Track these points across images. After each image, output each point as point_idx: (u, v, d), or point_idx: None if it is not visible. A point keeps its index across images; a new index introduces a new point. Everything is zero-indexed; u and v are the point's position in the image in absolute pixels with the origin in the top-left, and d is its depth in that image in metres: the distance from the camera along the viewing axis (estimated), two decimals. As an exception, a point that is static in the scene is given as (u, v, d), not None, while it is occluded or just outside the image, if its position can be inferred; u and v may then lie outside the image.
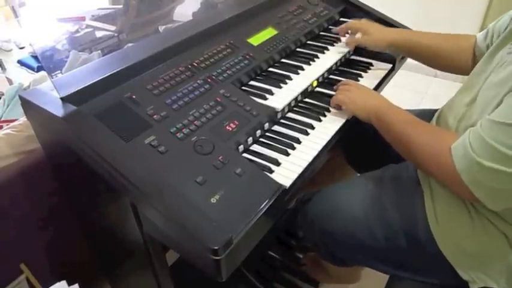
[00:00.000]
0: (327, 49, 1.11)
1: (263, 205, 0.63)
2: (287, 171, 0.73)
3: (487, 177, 0.61)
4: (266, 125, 0.83)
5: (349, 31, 1.13)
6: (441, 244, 0.74)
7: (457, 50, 0.96)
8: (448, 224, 0.75)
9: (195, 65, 0.88)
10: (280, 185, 0.67)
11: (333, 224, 0.87)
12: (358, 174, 1.32)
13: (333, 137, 0.84)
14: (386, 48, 1.08)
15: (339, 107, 0.90)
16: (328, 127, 0.87)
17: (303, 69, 1.01)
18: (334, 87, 0.95)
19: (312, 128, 0.86)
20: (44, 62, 0.79)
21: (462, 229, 0.73)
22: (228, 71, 0.89)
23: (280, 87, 0.93)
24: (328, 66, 1.04)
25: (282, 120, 0.88)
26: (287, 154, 0.77)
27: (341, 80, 1.04)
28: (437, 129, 0.81)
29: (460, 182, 0.63)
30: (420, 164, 0.76)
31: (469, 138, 0.63)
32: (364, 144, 1.06)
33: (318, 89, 1.01)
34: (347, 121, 0.89)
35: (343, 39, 1.16)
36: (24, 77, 1.96)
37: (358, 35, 1.11)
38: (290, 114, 0.91)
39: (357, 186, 0.90)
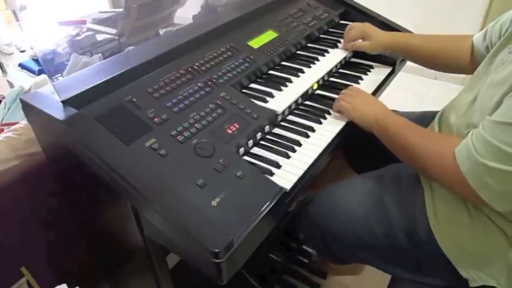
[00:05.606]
0: (327, 52, 1.11)
1: (264, 208, 0.63)
2: (288, 173, 0.73)
3: (491, 178, 0.60)
4: (267, 128, 0.83)
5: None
6: (441, 242, 0.74)
7: (453, 50, 0.97)
8: (447, 222, 0.75)
9: (196, 68, 0.88)
10: (281, 188, 0.67)
11: (334, 223, 0.88)
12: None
13: (333, 140, 0.84)
14: (384, 51, 1.09)
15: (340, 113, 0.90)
16: (328, 129, 0.87)
17: (303, 71, 1.01)
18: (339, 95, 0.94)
19: (313, 130, 0.86)
20: (45, 65, 0.80)
21: (462, 227, 0.73)
22: (228, 74, 0.89)
23: (281, 90, 0.93)
24: (328, 68, 1.04)
25: (282, 123, 0.88)
26: (288, 157, 0.77)
27: (341, 83, 1.05)
28: (440, 135, 0.82)
29: (466, 185, 0.63)
30: (424, 170, 0.76)
31: (471, 140, 0.63)
32: (364, 146, 1.06)
33: (318, 91, 1.02)
34: (348, 123, 0.89)
35: (341, 41, 1.16)
36: (25, 80, 1.97)
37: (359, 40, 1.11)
38: (290, 117, 0.91)
39: (357, 185, 0.90)
